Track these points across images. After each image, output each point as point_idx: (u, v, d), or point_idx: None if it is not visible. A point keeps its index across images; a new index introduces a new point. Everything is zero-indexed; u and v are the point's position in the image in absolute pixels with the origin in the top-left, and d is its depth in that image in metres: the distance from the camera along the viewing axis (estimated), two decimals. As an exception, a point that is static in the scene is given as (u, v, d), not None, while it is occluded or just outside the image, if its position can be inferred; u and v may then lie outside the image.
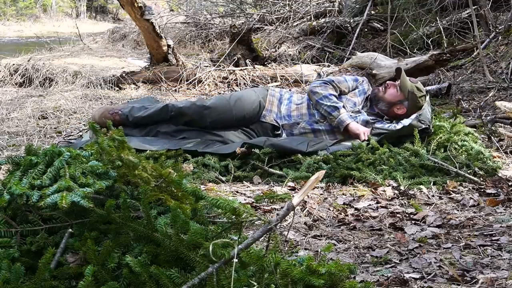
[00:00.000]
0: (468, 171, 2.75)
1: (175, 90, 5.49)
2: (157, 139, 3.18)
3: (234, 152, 2.96)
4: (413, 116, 3.15)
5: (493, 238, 2.00)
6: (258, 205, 2.35)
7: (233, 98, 3.33)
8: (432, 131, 3.13)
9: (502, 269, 1.72)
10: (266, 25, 8.30)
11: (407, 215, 2.28)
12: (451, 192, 2.56)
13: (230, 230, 1.43)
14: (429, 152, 2.91)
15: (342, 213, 2.32)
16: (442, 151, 2.94)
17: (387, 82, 3.37)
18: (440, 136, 3.03)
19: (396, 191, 2.58)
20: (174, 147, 3.01)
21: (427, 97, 3.30)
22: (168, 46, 5.80)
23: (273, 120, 3.31)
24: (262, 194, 2.52)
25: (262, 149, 2.93)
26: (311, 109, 3.28)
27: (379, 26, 7.43)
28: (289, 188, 2.65)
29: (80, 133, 3.79)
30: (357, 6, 7.66)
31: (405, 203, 2.45)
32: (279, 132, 3.28)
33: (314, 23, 7.67)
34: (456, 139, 3.00)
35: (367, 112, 3.30)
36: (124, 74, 5.82)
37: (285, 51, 6.94)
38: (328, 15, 7.94)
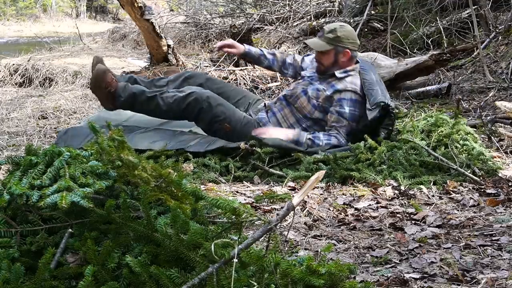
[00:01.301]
0: (468, 171, 2.75)
1: (175, 90, 5.49)
2: (156, 133, 3.17)
3: (236, 150, 2.96)
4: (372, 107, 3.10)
5: (493, 238, 2.00)
6: (258, 205, 2.35)
7: None
8: (392, 106, 3.10)
9: (502, 269, 1.72)
10: (266, 25, 8.29)
11: (407, 215, 2.28)
12: (451, 192, 2.56)
13: (230, 230, 1.43)
14: (429, 146, 2.90)
15: (342, 213, 2.32)
16: (443, 148, 2.93)
17: (308, 58, 3.44)
18: (442, 130, 3.02)
19: (396, 191, 2.58)
20: (176, 147, 3.00)
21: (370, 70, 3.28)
22: (168, 46, 5.80)
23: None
24: (262, 194, 2.52)
25: (262, 147, 2.94)
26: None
27: (379, 26, 7.43)
28: (289, 188, 2.65)
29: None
30: (357, 6, 7.65)
31: (405, 203, 2.45)
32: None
33: (314, 23, 7.66)
34: (457, 138, 2.99)
35: (320, 80, 3.27)
36: (124, 74, 5.81)
37: (285, 51, 6.93)
38: (328, 15, 7.93)
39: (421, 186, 2.63)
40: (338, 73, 3.21)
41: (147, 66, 6.02)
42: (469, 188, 2.61)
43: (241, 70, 5.76)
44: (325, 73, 3.26)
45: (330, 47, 3.21)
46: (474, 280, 1.64)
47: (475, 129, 3.45)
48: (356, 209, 2.38)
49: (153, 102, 3.20)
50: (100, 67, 3.28)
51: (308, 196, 2.44)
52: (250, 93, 3.69)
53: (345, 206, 2.41)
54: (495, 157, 3.05)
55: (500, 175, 2.75)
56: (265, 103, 3.40)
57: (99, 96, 3.32)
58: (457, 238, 2.03)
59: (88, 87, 5.52)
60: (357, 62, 3.31)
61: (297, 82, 3.38)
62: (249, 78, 5.62)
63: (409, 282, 1.64)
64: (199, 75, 3.51)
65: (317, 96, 3.18)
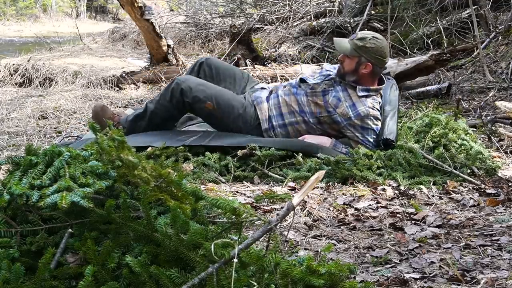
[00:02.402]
0: (468, 172, 2.74)
1: (175, 90, 5.48)
2: (158, 133, 3.18)
3: (237, 150, 2.95)
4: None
5: (493, 238, 2.00)
6: (258, 205, 2.35)
7: None
8: (394, 141, 3.05)
9: (502, 269, 1.72)
10: (266, 25, 8.30)
11: (407, 215, 2.28)
12: (451, 192, 2.56)
13: (230, 230, 1.43)
14: (423, 148, 2.90)
15: (342, 213, 2.32)
16: (441, 149, 2.92)
17: (338, 59, 3.27)
18: (435, 131, 3.01)
19: (396, 191, 2.58)
20: (175, 144, 2.99)
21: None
22: (168, 46, 5.80)
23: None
24: (262, 194, 2.52)
25: (265, 149, 2.93)
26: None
27: (379, 26, 7.42)
28: (289, 188, 2.65)
29: (77, 135, 3.78)
30: (357, 6, 7.65)
31: (405, 203, 2.45)
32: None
33: (314, 23, 7.66)
34: (454, 137, 2.98)
35: (341, 86, 3.17)
36: (124, 74, 5.82)
37: (285, 51, 6.93)
38: (328, 15, 7.93)
39: (421, 186, 2.63)
40: (359, 91, 3.10)
41: (147, 66, 6.02)
42: (469, 188, 2.61)
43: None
44: (344, 78, 3.16)
45: (354, 53, 3.10)
46: (474, 280, 1.64)
47: (475, 129, 3.45)
48: (356, 209, 2.38)
49: (146, 111, 3.24)
50: (98, 104, 3.37)
51: (308, 196, 2.44)
52: (246, 74, 3.61)
53: (345, 206, 2.41)
54: (495, 157, 3.05)
55: (499, 175, 2.75)
56: (271, 89, 3.33)
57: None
58: (457, 238, 2.03)
59: (88, 86, 5.53)
60: (382, 82, 3.21)
61: (319, 77, 3.27)
62: (249, 78, 5.62)
63: (409, 282, 1.64)
64: (200, 60, 3.50)
65: (335, 105, 3.09)
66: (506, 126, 3.60)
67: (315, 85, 3.20)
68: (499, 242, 1.96)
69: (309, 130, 3.16)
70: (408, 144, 2.88)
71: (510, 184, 2.62)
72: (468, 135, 3.07)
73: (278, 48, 7.13)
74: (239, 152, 2.93)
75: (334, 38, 3.31)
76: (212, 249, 1.30)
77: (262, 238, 1.40)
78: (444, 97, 4.78)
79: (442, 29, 6.21)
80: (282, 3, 8.44)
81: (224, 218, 1.64)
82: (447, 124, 3.04)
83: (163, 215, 1.52)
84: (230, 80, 3.44)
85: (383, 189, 2.60)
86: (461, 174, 2.69)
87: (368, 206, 2.41)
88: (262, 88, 3.39)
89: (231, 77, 3.45)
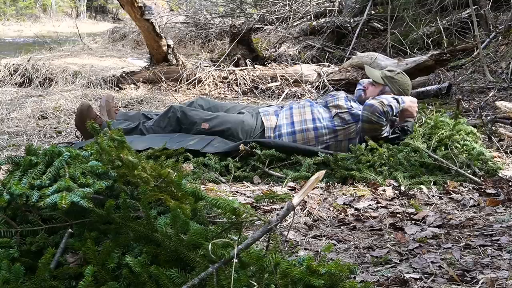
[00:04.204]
0: (468, 171, 2.75)
1: (175, 90, 5.49)
2: (155, 136, 3.18)
3: (236, 151, 2.95)
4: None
5: (493, 238, 2.00)
6: (258, 205, 2.35)
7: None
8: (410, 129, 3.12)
9: (502, 269, 1.72)
10: (266, 25, 8.30)
11: (407, 215, 2.28)
12: (451, 192, 2.56)
13: (230, 230, 1.43)
14: (429, 148, 2.90)
15: (342, 213, 2.32)
16: (443, 149, 2.94)
17: (363, 85, 3.42)
18: (442, 132, 3.02)
19: (396, 191, 2.58)
20: (175, 147, 2.99)
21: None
22: (168, 46, 5.80)
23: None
24: (262, 194, 2.52)
25: (266, 149, 2.93)
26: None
27: (379, 26, 7.43)
28: (289, 188, 2.65)
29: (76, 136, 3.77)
30: (357, 6, 7.66)
31: (405, 203, 2.45)
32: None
33: (314, 23, 7.66)
34: (458, 138, 2.99)
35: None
36: (124, 74, 5.82)
37: (285, 51, 6.94)
38: (328, 15, 7.94)
39: (421, 186, 2.63)
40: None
41: (147, 66, 6.02)
42: (469, 188, 2.61)
43: (241, 70, 5.76)
44: (363, 103, 3.27)
45: (381, 81, 3.30)
46: (474, 280, 1.64)
47: (475, 129, 3.44)
48: (356, 209, 2.38)
49: (136, 131, 3.29)
50: (84, 103, 3.41)
51: (308, 196, 2.44)
52: (240, 104, 3.75)
53: (345, 206, 2.41)
54: (495, 157, 3.05)
55: (500, 175, 2.75)
56: (281, 106, 3.45)
57: (84, 132, 3.35)
58: (457, 238, 2.03)
59: (88, 86, 5.52)
60: None
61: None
62: (249, 78, 5.62)
63: (409, 282, 1.64)
64: (190, 103, 3.59)
65: (353, 107, 3.18)
66: (506, 126, 3.60)
67: (336, 92, 3.36)
68: (499, 242, 1.96)
69: (317, 138, 3.15)
70: (415, 143, 2.90)
71: (510, 184, 2.62)
72: (471, 135, 3.08)
73: (278, 48, 7.13)
74: (241, 147, 2.93)
75: (366, 66, 3.53)
76: (210, 248, 1.30)
77: (262, 238, 1.40)
78: (444, 97, 4.78)
79: (442, 29, 6.22)
80: (282, 3, 8.44)
81: (224, 218, 1.64)
82: (455, 126, 3.06)
83: (163, 215, 1.52)
84: (223, 109, 3.50)
85: (383, 190, 2.60)
86: (467, 174, 2.69)
87: (368, 206, 2.41)
88: (269, 105, 3.49)
89: (223, 107, 3.52)
